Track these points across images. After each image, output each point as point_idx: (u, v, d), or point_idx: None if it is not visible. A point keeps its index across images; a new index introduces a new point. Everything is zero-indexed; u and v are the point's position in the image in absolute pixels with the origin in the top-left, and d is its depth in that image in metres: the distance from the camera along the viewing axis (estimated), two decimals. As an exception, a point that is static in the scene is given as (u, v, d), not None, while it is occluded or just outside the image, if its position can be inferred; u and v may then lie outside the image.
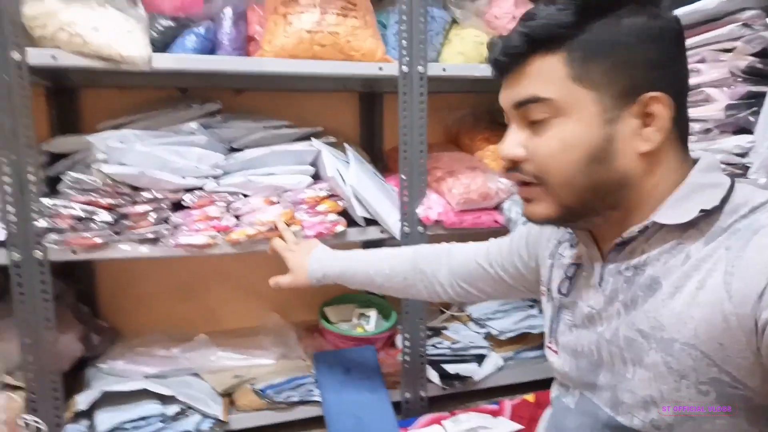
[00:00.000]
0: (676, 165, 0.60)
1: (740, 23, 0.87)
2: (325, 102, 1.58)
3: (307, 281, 1.08)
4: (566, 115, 0.57)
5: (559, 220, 0.63)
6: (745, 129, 0.87)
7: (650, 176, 0.59)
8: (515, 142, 0.62)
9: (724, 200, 0.56)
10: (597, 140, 0.57)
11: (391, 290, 1.03)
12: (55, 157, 1.24)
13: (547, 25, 0.56)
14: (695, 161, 0.61)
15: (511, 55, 0.59)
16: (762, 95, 0.86)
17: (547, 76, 0.57)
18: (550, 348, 0.74)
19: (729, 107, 0.88)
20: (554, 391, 0.75)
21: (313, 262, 1.07)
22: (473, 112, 1.61)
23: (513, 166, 0.63)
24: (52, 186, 1.18)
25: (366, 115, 1.62)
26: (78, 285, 1.47)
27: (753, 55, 0.88)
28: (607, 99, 0.56)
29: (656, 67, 0.57)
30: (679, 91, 0.59)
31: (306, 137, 1.33)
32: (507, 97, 0.61)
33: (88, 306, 1.46)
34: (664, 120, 0.57)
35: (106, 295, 1.52)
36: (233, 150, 1.30)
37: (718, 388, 0.53)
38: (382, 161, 1.61)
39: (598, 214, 0.61)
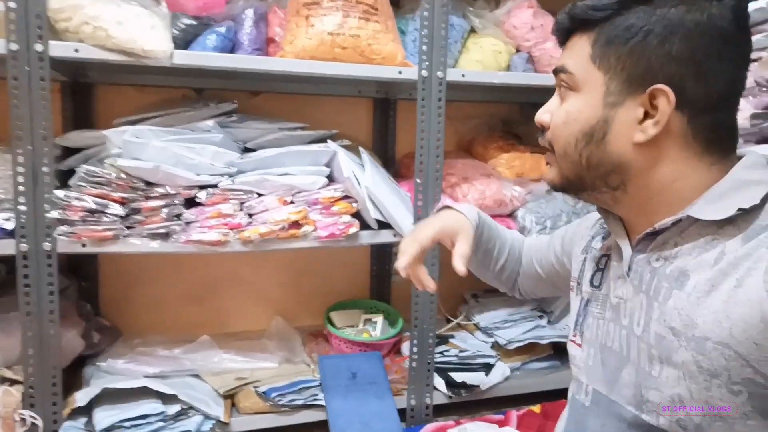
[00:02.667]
0: (690, 165, 0.58)
1: (767, 33, 0.88)
2: (340, 107, 1.59)
3: (472, 227, 0.84)
4: (578, 91, 0.61)
5: (562, 188, 0.67)
6: (769, 140, 0.88)
7: (654, 169, 0.59)
8: (547, 108, 0.66)
9: (766, 198, 0.55)
10: (593, 120, 0.60)
11: (485, 262, 0.92)
12: (68, 153, 1.23)
13: (586, 6, 0.60)
14: (740, 158, 0.60)
15: (558, 31, 0.65)
16: (787, 106, 0.87)
17: (576, 51, 0.62)
18: (573, 342, 0.73)
19: (754, 116, 0.89)
20: (571, 389, 0.74)
21: (460, 210, 0.87)
22: (488, 122, 1.62)
23: (542, 131, 0.67)
24: (62, 181, 1.17)
25: (380, 122, 1.63)
26: (81, 282, 1.46)
27: (780, 65, 0.88)
28: (614, 83, 0.59)
29: (677, 62, 0.56)
30: (709, 89, 0.57)
31: (321, 140, 1.33)
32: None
33: (90, 304, 1.44)
34: (663, 115, 0.56)
35: (108, 294, 1.51)
36: (248, 150, 1.30)
37: (751, 388, 0.52)
38: (394, 167, 1.61)
39: (598, 190, 0.64)
